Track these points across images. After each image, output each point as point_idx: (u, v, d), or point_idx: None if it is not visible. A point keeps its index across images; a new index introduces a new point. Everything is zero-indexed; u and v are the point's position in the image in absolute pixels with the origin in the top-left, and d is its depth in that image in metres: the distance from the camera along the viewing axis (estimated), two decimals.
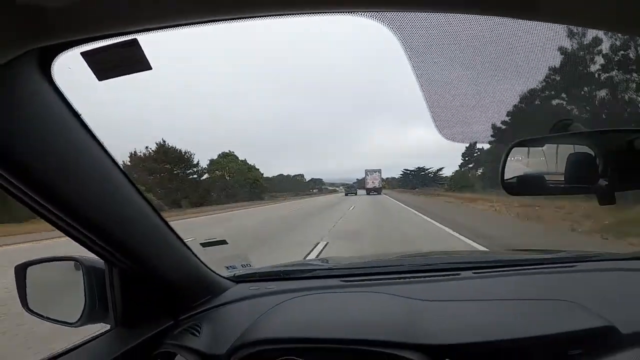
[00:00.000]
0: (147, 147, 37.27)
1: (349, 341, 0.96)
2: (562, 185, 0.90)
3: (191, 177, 39.81)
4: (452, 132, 0.84)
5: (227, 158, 48.63)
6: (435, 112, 0.78)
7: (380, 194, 51.58)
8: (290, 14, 0.57)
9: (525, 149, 0.91)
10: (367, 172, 59.48)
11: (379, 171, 59.17)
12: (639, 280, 1.28)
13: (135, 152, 36.19)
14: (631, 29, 0.58)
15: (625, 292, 1.18)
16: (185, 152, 39.28)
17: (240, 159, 50.19)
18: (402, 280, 1.32)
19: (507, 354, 0.92)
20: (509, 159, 0.87)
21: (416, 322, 1.00)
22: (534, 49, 0.73)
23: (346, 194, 55.51)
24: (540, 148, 0.90)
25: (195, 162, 40.30)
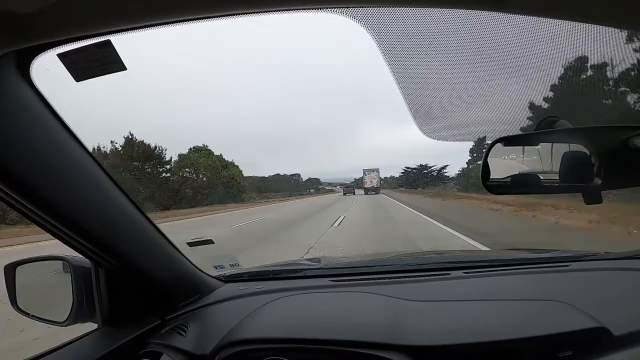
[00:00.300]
0: (112, 142, 33.27)
1: (334, 342, 0.96)
2: (549, 185, 0.89)
3: (163, 175, 36.19)
4: (432, 128, 0.84)
5: (199, 153, 41.67)
6: (414, 107, 0.79)
7: (378, 193, 50.67)
8: (270, 11, 0.57)
9: (507, 147, 0.90)
10: (365, 171, 58.60)
11: (377, 170, 58.13)
12: (633, 280, 1.26)
13: (98, 146, 31.86)
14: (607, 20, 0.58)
15: (618, 292, 1.16)
16: (156, 147, 35.13)
17: (218, 154, 43.47)
18: (392, 280, 1.32)
19: (495, 356, 0.91)
20: (490, 156, 0.87)
21: (403, 322, 1.00)
22: (516, 42, 0.74)
23: (344, 194, 54.65)
24: (523, 146, 0.89)
25: (168, 159, 36.21)
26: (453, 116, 0.85)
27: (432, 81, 0.79)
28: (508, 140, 0.89)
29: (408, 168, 72.41)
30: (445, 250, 5.13)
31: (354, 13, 0.64)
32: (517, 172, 0.91)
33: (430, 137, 0.84)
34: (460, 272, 1.34)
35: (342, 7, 0.60)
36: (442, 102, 0.83)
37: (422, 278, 1.32)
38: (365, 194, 51.05)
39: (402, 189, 67.10)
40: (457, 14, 0.70)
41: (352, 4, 0.60)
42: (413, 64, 0.74)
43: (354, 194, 53.09)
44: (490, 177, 0.87)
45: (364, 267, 1.54)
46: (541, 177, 0.89)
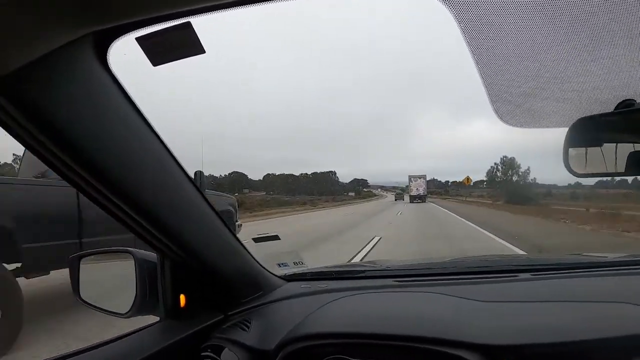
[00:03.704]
0: None
1: (401, 337, 0.93)
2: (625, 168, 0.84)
3: None
4: (512, 114, 0.79)
5: None
6: (492, 91, 0.74)
7: (424, 201, 46.84)
8: None
9: (586, 129, 0.86)
10: (410, 178, 54.15)
11: (424, 177, 54.53)
12: None
13: None
14: None
15: None
16: None
17: None
18: (457, 281, 1.29)
19: (565, 357, 0.86)
20: (570, 138, 0.83)
21: (472, 321, 0.96)
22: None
23: (396, 199, 55.18)
24: (604, 127, 0.84)
25: None
26: (535, 101, 0.79)
27: (514, 63, 0.74)
28: (585, 122, 0.84)
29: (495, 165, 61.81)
30: (508, 254, 5.00)
31: None
32: (596, 154, 0.87)
33: (509, 124, 0.78)
34: (527, 275, 1.29)
35: None
36: (523, 86, 0.78)
37: (488, 279, 1.27)
38: (410, 202, 47.09)
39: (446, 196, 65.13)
40: None
41: None
42: (494, 44, 0.69)
43: (403, 199, 52.08)
44: (572, 160, 0.85)
45: (427, 268, 1.51)
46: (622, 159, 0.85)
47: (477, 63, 0.70)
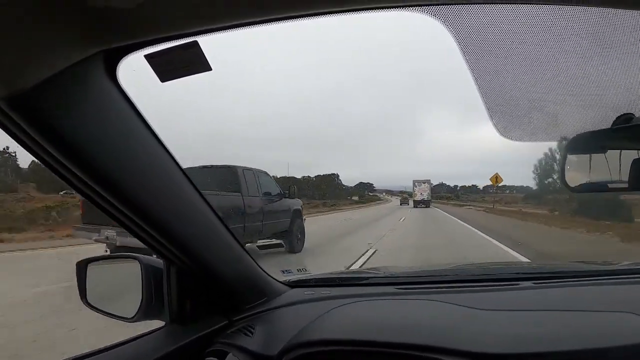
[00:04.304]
0: None
1: (401, 345, 0.94)
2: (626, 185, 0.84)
3: None
4: (511, 128, 0.80)
5: None
6: (491, 106, 0.76)
7: (428, 206, 44.79)
8: (346, 11, 0.57)
9: (584, 144, 0.87)
10: (415, 182, 52.36)
11: (428, 182, 52.64)
12: None
13: None
14: None
15: None
16: None
17: None
18: (458, 288, 1.30)
19: None
20: (568, 152, 0.84)
21: (471, 329, 0.97)
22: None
23: (401, 204, 55.37)
24: (602, 141, 0.84)
25: None
26: (532, 115, 0.81)
27: (511, 78, 0.76)
28: (584, 138, 0.85)
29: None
30: (511, 262, 4.94)
31: (433, 11, 0.63)
32: (594, 170, 0.88)
33: (509, 137, 0.80)
34: (529, 283, 1.29)
35: (421, 6, 0.60)
36: (522, 100, 0.79)
37: (490, 287, 1.28)
38: (414, 206, 45.30)
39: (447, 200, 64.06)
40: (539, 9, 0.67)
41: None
42: (491, 59, 0.71)
43: (408, 204, 51.71)
44: (568, 175, 0.86)
45: (429, 275, 1.52)
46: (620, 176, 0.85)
47: (475, 80, 0.72)
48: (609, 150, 0.85)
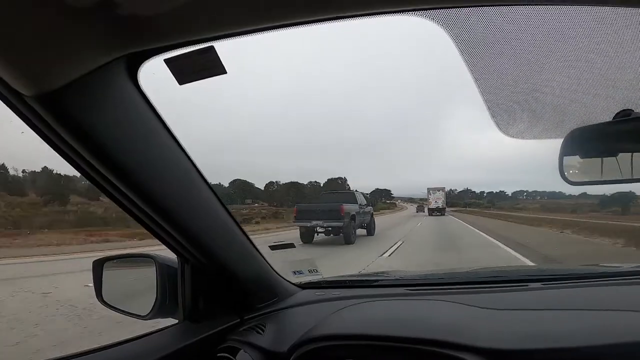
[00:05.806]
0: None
1: (410, 340, 0.96)
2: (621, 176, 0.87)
3: None
4: (513, 127, 0.83)
5: None
6: (492, 107, 0.79)
7: (443, 214, 44.10)
8: (358, 16, 0.60)
9: (582, 138, 0.88)
10: (429, 190, 51.75)
11: (443, 189, 52.12)
12: None
13: None
14: None
15: None
16: None
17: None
18: (468, 290, 1.31)
19: None
20: (566, 147, 0.85)
21: (480, 327, 0.99)
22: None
23: (417, 211, 56.18)
24: (601, 136, 0.86)
25: None
26: (534, 113, 0.84)
27: (511, 79, 0.79)
28: (584, 132, 0.87)
29: None
30: (520, 265, 4.93)
31: (433, 15, 0.66)
32: (594, 163, 0.90)
33: (509, 135, 0.83)
34: (538, 284, 1.30)
35: (422, 10, 0.63)
36: (522, 99, 0.82)
37: (499, 288, 1.29)
38: (429, 214, 44.21)
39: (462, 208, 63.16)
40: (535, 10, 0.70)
41: (430, 4, 0.62)
42: (491, 61, 0.74)
43: (424, 212, 51.26)
44: (567, 169, 0.87)
45: (439, 277, 1.54)
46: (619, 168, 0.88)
47: (475, 80, 0.75)
48: (608, 144, 0.87)
